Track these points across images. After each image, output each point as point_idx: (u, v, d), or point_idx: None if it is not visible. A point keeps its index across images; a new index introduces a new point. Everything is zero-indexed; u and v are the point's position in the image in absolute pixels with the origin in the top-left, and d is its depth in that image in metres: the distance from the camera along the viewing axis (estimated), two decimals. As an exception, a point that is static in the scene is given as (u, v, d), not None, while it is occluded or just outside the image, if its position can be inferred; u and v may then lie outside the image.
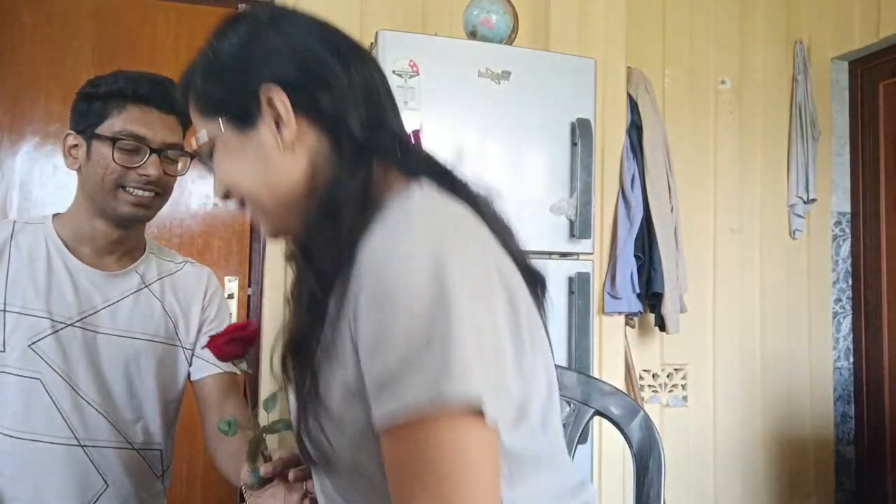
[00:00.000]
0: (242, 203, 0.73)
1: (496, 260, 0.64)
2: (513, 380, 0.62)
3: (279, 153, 0.68)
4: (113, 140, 1.09)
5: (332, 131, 0.68)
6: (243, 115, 0.69)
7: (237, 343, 0.88)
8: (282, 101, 0.67)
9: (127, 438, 1.14)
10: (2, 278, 1.07)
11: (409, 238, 0.59)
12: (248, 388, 1.14)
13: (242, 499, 0.92)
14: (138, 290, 1.18)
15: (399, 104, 0.77)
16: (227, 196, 0.74)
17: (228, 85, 0.70)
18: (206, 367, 1.24)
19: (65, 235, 1.14)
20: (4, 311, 1.06)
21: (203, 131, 0.72)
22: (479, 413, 0.55)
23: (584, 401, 1.23)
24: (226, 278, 2.20)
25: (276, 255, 2.18)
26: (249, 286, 2.23)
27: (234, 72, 0.69)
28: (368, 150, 0.68)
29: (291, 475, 0.85)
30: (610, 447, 2.25)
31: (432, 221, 0.61)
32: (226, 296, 2.19)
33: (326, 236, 0.64)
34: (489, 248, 0.64)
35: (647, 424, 1.16)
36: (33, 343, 1.06)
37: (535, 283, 0.73)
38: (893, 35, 2.64)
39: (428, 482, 0.55)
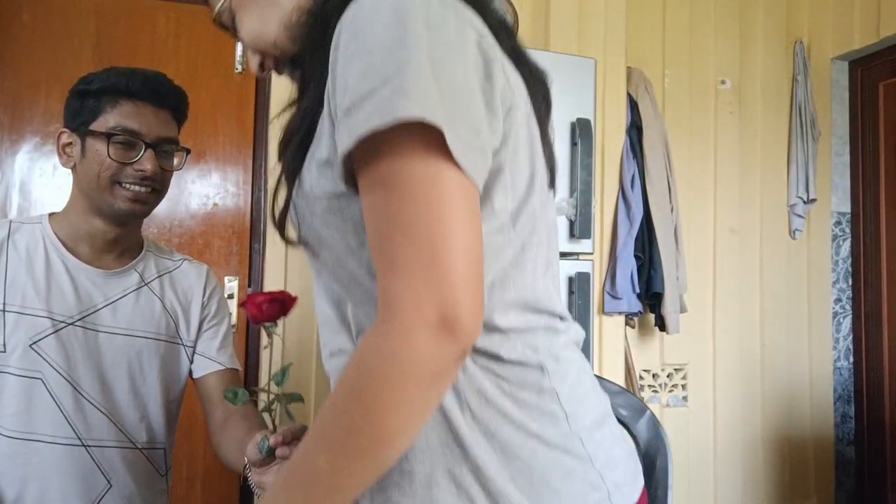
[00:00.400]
0: (276, 63, 0.77)
1: (478, 31, 0.62)
2: (487, 138, 0.59)
3: None
4: (108, 136, 1.09)
5: None
6: None
7: (275, 305, 0.88)
8: None
9: (130, 438, 1.14)
10: (0, 278, 1.07)
11: (380, 2, 0.58)
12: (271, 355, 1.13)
13: (242, 498, 0.93)
14: (138, 288, 1.18)
15: None
16: (262, 64, 0.78)
17: None
18: (209, 365, 1.25)
19: (62, 234, 1.14)
20: (4, 311, 1.06)
21: (218, 4, 0.77)
22: (450, 145, 0.54)
23: None
24: (226, 278, 2.20)
25: (276, 255, 2.19)
26: (249, 286, 2.23)
27: None
28: None
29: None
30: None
31: None
32: (226, 295, 2.19)
33: (315, 37, 0.67)
34: (469, 21, 0.61)
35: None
36: (34, 343, 1.06)
37: (539, 84, 0.72)
38: (893, 35, 2.64)
39: (405, 212, 0.54)
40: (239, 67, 2.22)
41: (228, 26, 0.79)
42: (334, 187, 0.62)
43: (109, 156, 1.09)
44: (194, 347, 1.25)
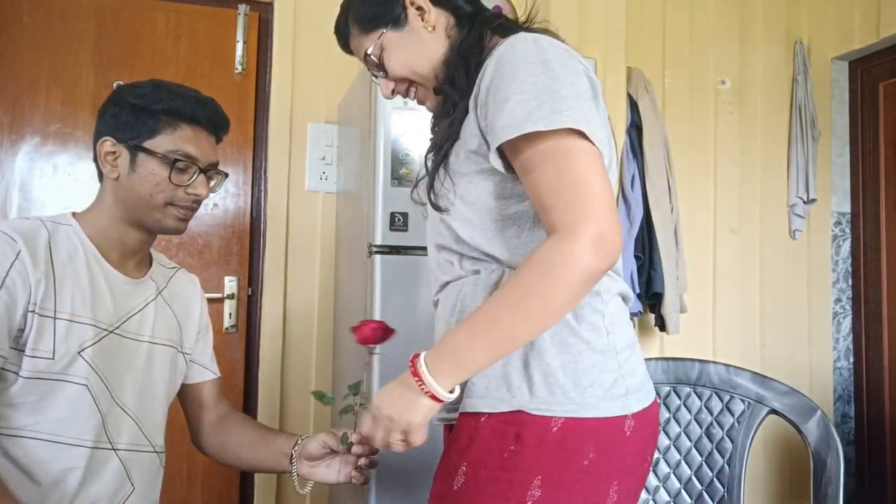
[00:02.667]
0: (408, 88, 1.04)
1: (584, 63, 0.90)
2: (599, 128, 0.86)
3: (428, 35, 0.99)
4: (170, 160, 1.11)
5: (453, 10, 1.00)
6: (397, 19, 0.99)
7: (382, 332, 1.11)
8: None
9: (150, 441, 1.17)
10: (50, 285, 1.04)
11: (518, 45, 0.87)
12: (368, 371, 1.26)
13: (242, 498, 1.01)
14: (156, 298, 1.21)
15: (400, 104, 1.01)
16: (395, 89, 1.05)
17: (382, 3, 1.00)
18: (205, 373, 1.33)
19: (94, 239, 1.13)
20: (55, 318, 1.04)
21: (371, 47, 1.01)
22: (587, 135, 0.82)
23: (758, 400, 1.30)
24: (226, 278, 2.20)
25: (276, 255, 2.19)
26: (249, 286, 2.23)
27: None
28: (477, 17, 1.00)
29: (367, 447, 1.14)
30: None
31: (534, 37, 0.88)
32: (226, 296, 2.19)
33: (461, 73, 0.96)
34: (577, 56, 0.91)
35: (825, 423, 1.21)
36: (81, 350, 1.06)
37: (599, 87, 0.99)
38: (893, 35, 2.64)
39: (563, 172, 0.81)
40: (239, 67, 2.23)
41: (375, 61, 1.02)
42: (476, 167, 0.91)
43: (170, 179, 1.11)
44: (190, 355, 1.30)
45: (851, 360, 2.90)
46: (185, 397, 1.33)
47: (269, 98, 2.23)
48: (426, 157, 1.01)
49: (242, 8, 2.24)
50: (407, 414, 0.85)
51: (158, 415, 1.20)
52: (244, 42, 2.24)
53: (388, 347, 1.52)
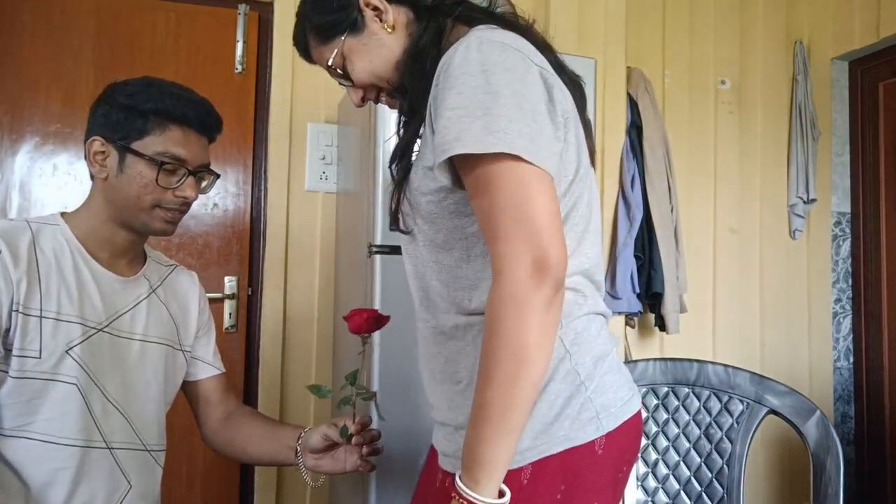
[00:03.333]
0: (377, 94, 1.00)
1: (539, 64, 0.84)
2: (555, 145, 0.82)
3: (388, 36, 0.93)
4: (158, 162, 1.09)
5: (411, 5, 0.94)
6: (354, 23, 0.94)
7: (374, 322, 1.12)
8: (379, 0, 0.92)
9: (143, 440, 1.17)
10: (34, 284, 1.04)
11: (462, 48, 0.80)
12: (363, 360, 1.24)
13: (242, 498, 1.01)
14: (149, 296, 1.21)
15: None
16: (364, 97, 1.00)
17: (336, 6, 0.94)
18: (208, 369, 1.33)
19: (82, 238, 1.13)
20: (41, 317, 1.04)
21: (332, 55, 0.96)
22: (531, 159, 0.76)
23: (757, 400, 1.30)
24: (226, 278, 2.20)
25: (276, 255, 2.19)
26: (249, 286, 2.23)
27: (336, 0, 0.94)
28: (437, 11, 0.93)
29: (366, 435, 1.17)
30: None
31: (483, 39, 0.81)
32: (226, 296, 2.19)
33: (416, 72, 0.90)
34: (532, 56, 0.84)
35: (824, 424, 1.21)
36: (69, 349, 1.06)
37: (576, 87, 0.96)
38: (893, 35, 2.64)
39: (500, 199, 0.76)
40: (239, 67, 2.23)
41: (339, 69, 0.97)
42: (435, 185, 0.85)
43: (157, 182, 1.10)
44: (191, 352, 1.30)
45: (851, 360, 2.91)
46: (190, 394, 1.34)
47: (269, 98, 2.23)
48: (389, 167, 0.95)
49: (242, 8, 2.24)
50: None
51: (151, 413, 1.19)
52: (244, 42, 2.24)
53: (389, 339, 1.52)
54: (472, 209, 0.83)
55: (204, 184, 1.20)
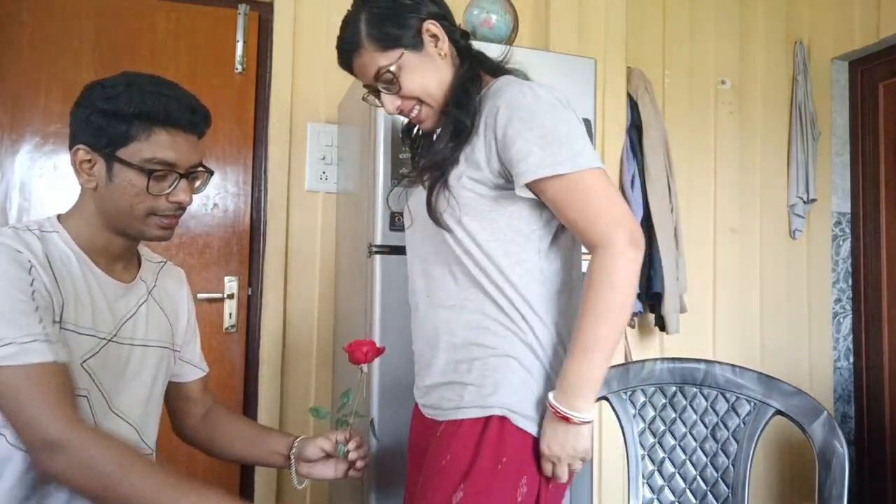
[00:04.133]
0: (412, 107, 1.14)
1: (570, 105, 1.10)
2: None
3: (441, 60, 1.13)
4: (147, 170, 1.04)
5: (455, 43, 1.15)
6: (416, 42, 1.10)
7: (373, 353, 1.24)
8: (438, 28, 1.11)
9: (147, 444, 1.16)
10: (56, 294, 1.00)
11: (527, 91, 1.06)
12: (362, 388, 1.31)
13: (242, 497, 1.01)
14: (147, 300, 1.19)
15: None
16: (402, 106, 1.14)
17: (400, 24, 1.09)
18: (195, 371, 1.33)
19: (82, 245, 1.09)
20: (73, 331, 1.02)
21: (389, 62, 1.10)
22: (600, 170, 1.04)
23: (764, 400, 1.30)
24: (226, 278, 2.20)
25: (276, 254, 2.19)
26: (249, 286, 2.23)
27: (399, 16, 1.10)
28: (471, 52, 1.17)
29: (361, 452, 1.27)
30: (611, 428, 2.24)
31: (533, 84, 1.09)
32: (226, 296, 2.19)
33: (469, 97, 1.10)
34: (566, 100, 1.10)
35: (831, 425, 1.21)
36: (84, 361, 1.04)
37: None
38: (893, 35, 2.64)
39: (591, 198, 1.02)
40: (239, 67, 2.23)
41: (390, 79, 1.11)
42: (476, 193, 1.08)
43: (148, 190, 1.05)
44: (180, 353, 1.29)
45: (851, 360, 2.90)
46: (174, 394, 1.31)
47: (269, 98, 2.23)
48: (415, 166, 1.13)
49: (242, 8, 2.23)
50: (578, 446, 1.04)
51: (152, 417, 1.18)
52: (244, 42, 2.24)
53: (389, 340, 1.52)
54: (507, 207, 1.08)
55: (198, 183, 1.15)
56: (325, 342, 2.22)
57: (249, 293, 2.23)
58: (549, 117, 1.03)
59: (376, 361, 1.57)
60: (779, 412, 1.31)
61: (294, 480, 1.29)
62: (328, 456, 1.27)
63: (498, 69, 1.18)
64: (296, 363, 2.20)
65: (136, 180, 1.05)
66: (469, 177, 1.08)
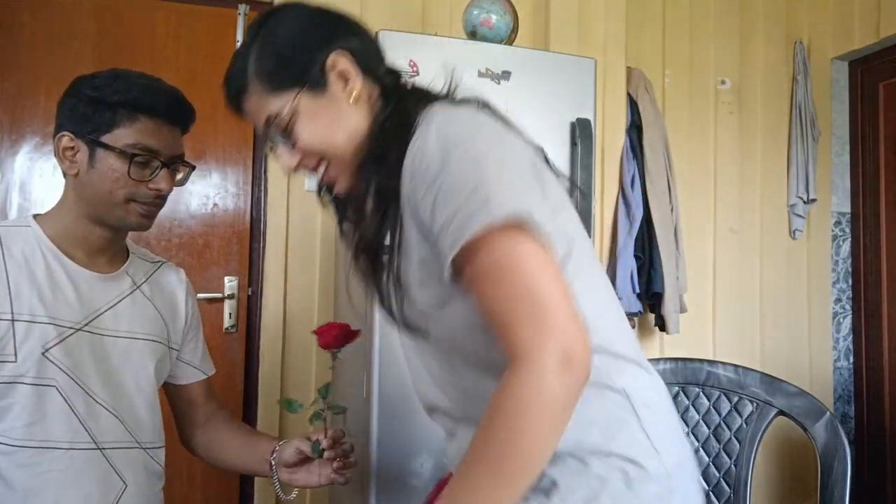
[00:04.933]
0: (317, 164, 0.89)
1: (513, 134, 0.82)
2: (544, 210, 0.76)
3: (349, 106, 0.86)
4: (129, 155, 1.07)
5: (379, 81, 0.88)
6: (316, 82, 0.85)
7: (345, 337, 1.09)
8: (346, 63, 0.85)
9: (136, 438, 1.15)
10: (3, 288, 1.03)
11: (430, 133, 0.76)
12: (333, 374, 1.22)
13: (242, 499, 1.00)
14: (132, 293, 1.18)
15: None
16: (301, 163, 0.89)
17: (298, 59, 0.85)
18: (196, 374, 1.31)
19: (56, 238, 1.11)
20: (13, 320, 1.03)
21: (280, 107, 0.85)
22: (527, 226, 0.72)
23: (767, 401, 1.30)
24: (226, 278, 2.20)
25: (276, 255, 2.19)
26: (249, 286, 2.23)
27: (302, 49, 0.85)
28: (398, 90, 0.88)
29: (338, 450, 1.12)
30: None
31: (446, 120, 0.78)
32: (226, 296, 2.19)
33: (391, 151, 0.81)
34: (501, 128, 0.81)
35: (833, 426, 1.21)
36: (46, 350, 1.05)
37: (538, 151, 0.88)
38: (893, 35, 2.64)
39: (510, 288, 0.71)
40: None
41: (283, 126, 0.86)
42: (440, 295, 0.80)
43: (129, 175, 1.07)
44: (179, 352, 1.28)
45: (851, 360, 2.90)
46: (177, 397, 1.31)
47: (269, 98, 2.23)
48: (354, 259, 0.87)
49: (242, 8, 2.23)
50: None
51: (143, 410, 1.17)
52: (244, 42, 2.24)
53: (389, 341, 1.51)
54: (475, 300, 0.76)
55: (179, 176, 1.17)
56: (325, 342, 2.22)
57: (249, 293, 2.23)
58: (457, 158, 0.74)
59: (376, 368, 1.56)
60: (781, 412, 1.30)
61: (279, 490, 1.20)
62: (307, 459, 1.18)
63: (437, 99, 0.87)
64: (296, 363, 2.20)
65: (117, 165, 1.07)
66: (419, 259, 0.80)
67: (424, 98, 0.87)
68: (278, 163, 0.90)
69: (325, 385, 1.13)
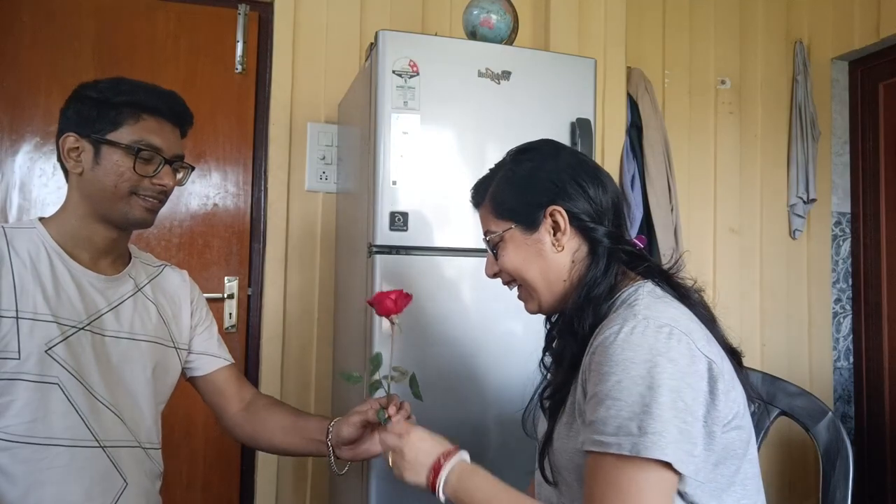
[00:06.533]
0: (512, 281, 1.03)
1: (703, 351, 0.83)
2: (696, 449, 0.80)
3: (553, 252, 0.97)
4: (134, 150, 1.10)
5: (590, 240, 0.96)
6: (531, 222, 0.98)
7: (402, 301, 1.11)
8: (563, 217, 0.96)
9: (136, 438, 1.16)
10: (9, 286, 1.05)
11: (633, 333, 0.81)
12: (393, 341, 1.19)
13: (242, 500, 1.00)
14: (134, 294, 1.21)
15: (399, 104, 0.92)
16: (498, 275, 1.04)
17: (524, 198, 0.98)
18: (215, 362, 1.34)
19: (60, 239, 1.13)
20: (17, 318, 1.04)
21: (495, 229, 1.01)
22: (662, 468, 0.77)
23: (769, 401, 1.29)
24: (226, 278, 2.20)
25: (276, 255, 2.19)
26: (249, 286, 2.23)
27: (529, 190, 0.98)
28: (614, 255, 0.96)
29: (404, 414, 1.12)
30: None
31: (650, 320, 0.83)
32: (226, 296, 2.19)
33: (583, 317, 0.91)
34: (696, 343, 0.83)
35: (836, 426, 1.20)
36: (49, 349, 1.06)
37: (735, 357, 0.98)
38: (893, 35, 2.64)
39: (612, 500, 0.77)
40: (239, 67, 2.23)
41: (493, 245, 1.02)
42: (574, 453, 0.87)
43: (134, 169, 1.11)
44: (188, 349, 1.30)
45: (851, 360, 2.91)
46: (204, 390, 1.34)
47: (269, 98, 2.23)
48: (542, 398, 1.01)
49: (242, 8, 2.23)
50: (410, 472, 0.97)
51: (143, 411, 1.18)
52: (244, 42, 2.24)
53: (404, 335, 1.51)
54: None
55: (180, 175, 1.21)
56: (325, 342, 2.22)
57: (249, 293, 2.23)
58: (637, 370, 0.79)
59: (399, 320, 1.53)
60: (783, 413, 1.29)
61: (333, 466, 1.24)
62: (365, 429, 1.20)
63: (647, 269, 0.96)
64: (296, 363, 2.20)
65: (122, 161, 1.11)
66: (564, 421, 0.91)
67: (632, 262, 0.96)
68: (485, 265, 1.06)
69: (376, 354, 1.14)
